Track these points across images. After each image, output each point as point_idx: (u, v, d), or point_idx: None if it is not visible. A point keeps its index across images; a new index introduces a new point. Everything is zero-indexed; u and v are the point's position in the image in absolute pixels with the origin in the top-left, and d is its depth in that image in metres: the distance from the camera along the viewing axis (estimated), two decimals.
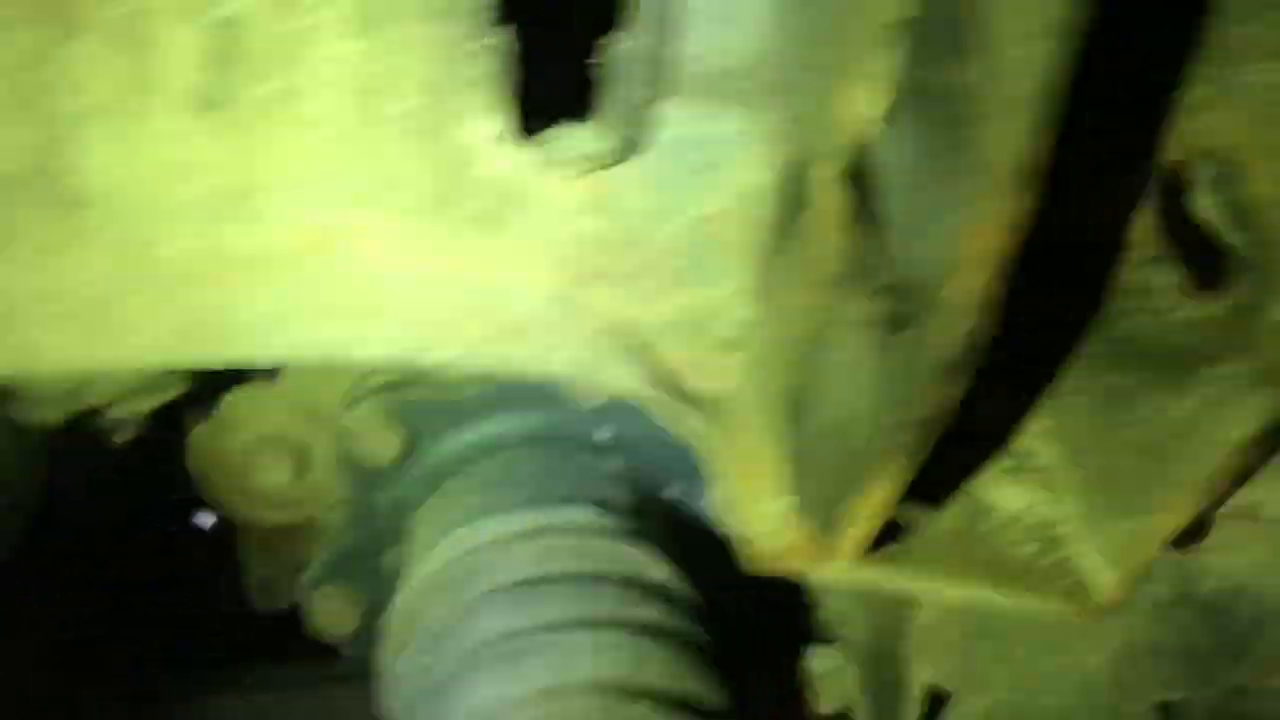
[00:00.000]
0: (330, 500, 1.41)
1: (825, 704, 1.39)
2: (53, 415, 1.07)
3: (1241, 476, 0.67)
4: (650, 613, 1.05)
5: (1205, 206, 0.66)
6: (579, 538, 1.10)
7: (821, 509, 0.69)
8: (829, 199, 0.69)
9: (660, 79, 0.77)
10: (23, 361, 0.79)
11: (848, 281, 0.67)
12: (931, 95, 0.57)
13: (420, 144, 0.77)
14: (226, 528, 1.62)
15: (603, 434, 1.27)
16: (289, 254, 0.79)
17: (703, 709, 1.02)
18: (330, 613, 1.30)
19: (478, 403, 1.24)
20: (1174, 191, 0.71)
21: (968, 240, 0.51)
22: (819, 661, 1.40)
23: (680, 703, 1.00)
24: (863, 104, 0.66)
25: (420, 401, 1.23)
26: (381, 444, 1.22)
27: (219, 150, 0.75)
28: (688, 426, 0.84)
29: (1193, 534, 0.86)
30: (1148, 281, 0.73)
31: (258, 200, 0.77)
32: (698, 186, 0.80)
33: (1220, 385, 0.66)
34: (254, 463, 1.38)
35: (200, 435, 1.38)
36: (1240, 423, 0.64)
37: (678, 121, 0.78)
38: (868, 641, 1.29)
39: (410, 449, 1.24)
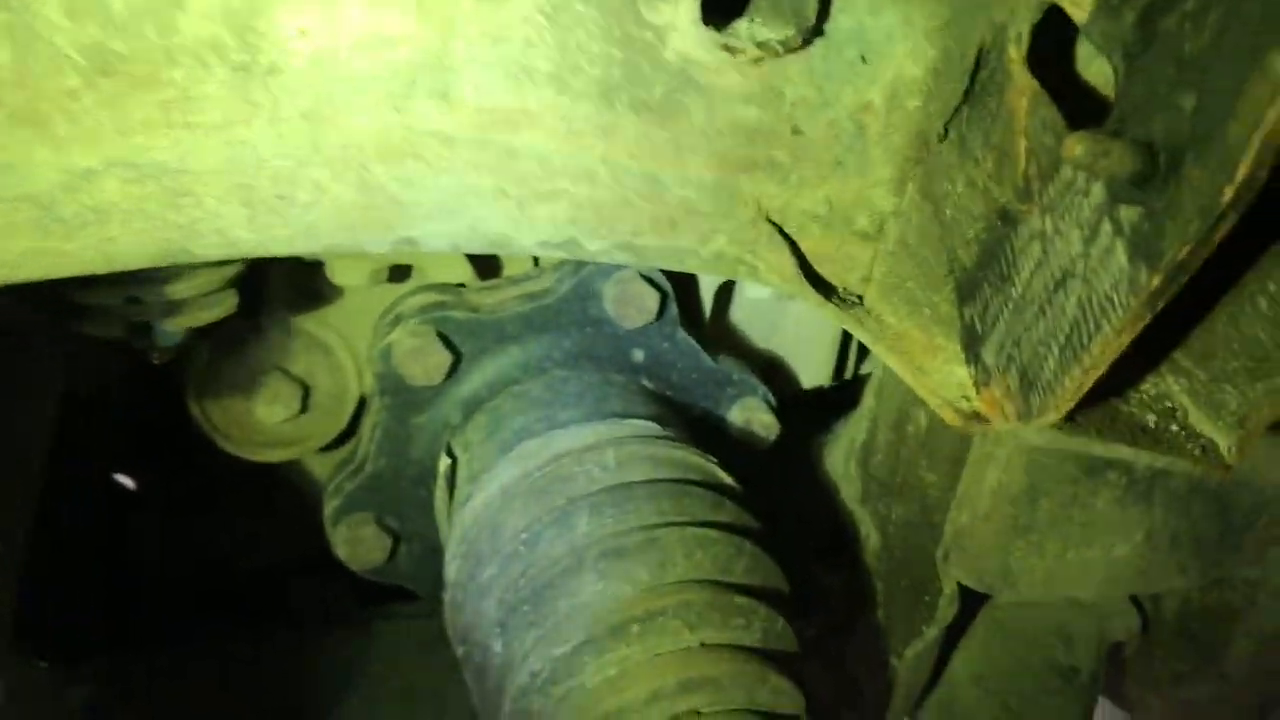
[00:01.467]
0: (329, 436, 1.39)
1: (834, 616, 1.46)
2: (115, 329, 1.02)
3: None
4: (726, 513, 1.08)
5: None
6: (650, 446, 1.13)
7: (1022, 371, 0.74)
8: (1022, 78, 0.74)
9: None
10: (187, 242, 0.75)
11: (1048, 154, 0.72)
12: None
13: (609, 24, 0.78)
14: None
15: (637, 355, 1.29)
16: (472, 135, 0.78)
17: (780, 598, 1.07)
18: (361, 541, 1.27)
19: (519, 323, 1.24)
20: None
21: (1260, 81, 0.57)
22: (826, 577, 1.46)
23: (764, 593, 1.05)
24: None
25: (464, 321, 1.22)
26: (430, 363, 1.20)
27: (417, 23, 0.74)
28: (830, 313, 0.88)
29: None
30: None
31: (449, 77, 0.76)
32: (855, 78, 0.84)
33: None
34: (258, 396, 1.34)
35: (200, 366, 1.33)
36: None
37: (842, 12, 0.82)
38: (890, 549, 1.35)
39: (453, 369, 1.23)
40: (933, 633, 1.25)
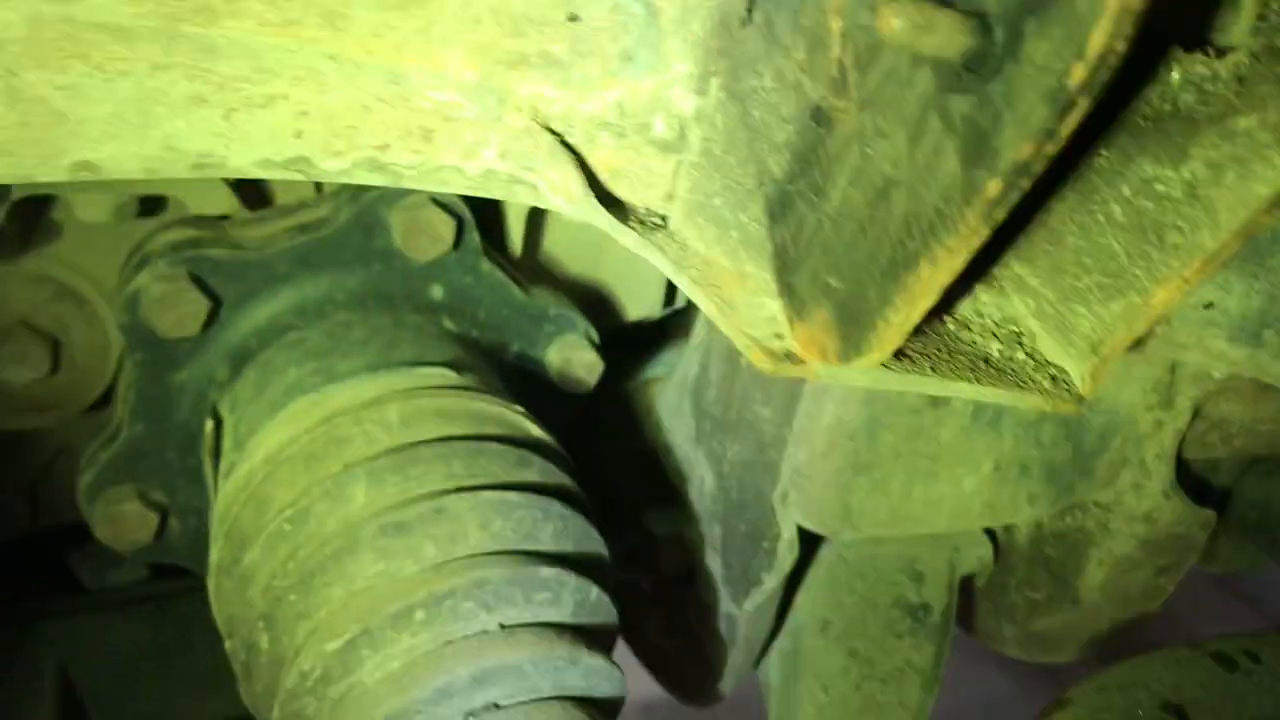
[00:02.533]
0: (89, 397, 1.20)
1: (670, 566, 1.35)
2: None
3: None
4: (532, 472, 0.95)
5: None
6: (442, 398, 0.98)
7: (841, 303, 0.62)
8: None
9: None
10: None
11: (864, 34, 0.59)
12: None
13: None
14: None
15: (435, 292, 1.14)
16: (156, 26, 0.62)
17: (596, 564, 0.95)
18: (123, 518, 1.10)
19: (291, 260, 1.07)
20: None
21: None
22: (659, 524, 1.35)
23: (576, 561, 0.92)
24: None
25: (224, 261, 1.05)
26: (183, 311, 1.03)
27: None
28: (628, 239, 0.74)
29: None
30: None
31: None
32: None
33: (1234, 143, 0.63)
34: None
35: None
36: (1265, 180, 0.62)
37: None
38: (724, 493, 1.24)
39: (213, 317, 1.06)
40: (772, 582, 1.14)
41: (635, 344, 1.45)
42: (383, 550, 0.85)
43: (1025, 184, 0.51)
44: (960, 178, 0.53)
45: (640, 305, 1.37)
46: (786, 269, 0.67)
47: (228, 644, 0.93)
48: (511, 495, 0.90)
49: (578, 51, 0.71)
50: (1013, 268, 0.78)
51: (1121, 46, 0.47)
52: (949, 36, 0.51)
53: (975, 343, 0.75)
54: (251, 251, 1.06)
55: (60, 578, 1.37)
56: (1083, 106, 0.48)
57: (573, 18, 0.70)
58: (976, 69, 0.52)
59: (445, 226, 1.09)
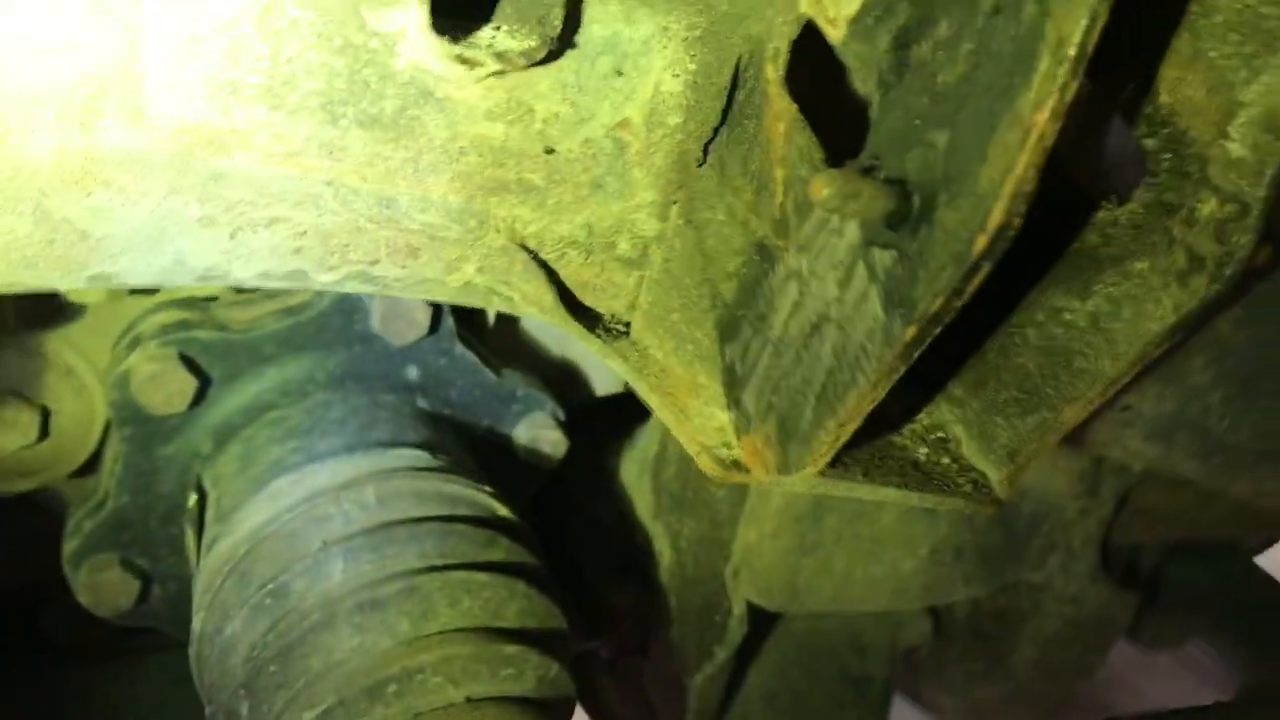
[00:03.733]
0: (74, 463, 1.26)
1: (628, 636, 1.41)
2: None
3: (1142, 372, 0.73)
4: (498, 551, 1.01)
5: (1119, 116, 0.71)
6: (416, 480, 1.04)
7: (781, 421, 0.69)
8: (779, 100, 0.69)
9: None
10: None
11: (803, 186, 0.67)
12: None
13: (328, 31, 0.69)
14: None
15: (410, 373, 1.20)
16: (171, 157, 0.69)
17: (557, 640, 1.01)
18: (105, 585, 1.15)
19: (275, 342, 1.14)
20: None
21: (1012, 126, 0.53)
22: (618, 594, 1.41)
23: (538, 637, 0.98)
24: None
25: (212, 342, 1.11)
26: (171, 390, 1.09)
27: (97, 28, 0.64)
28: (594, 346, 0.81)
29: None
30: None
31: (139, 91, 0.66)
32: (611, 92, 0.77)
33: (1131, 283, 0.72)
34: None
35: None
36: (1156, 318, 0.70)
37: (594, 21, 0.75)
38: (680, 568, 1.31)
39: (200, 396, 1.12)
40: (723, 654, 1.21)
41: (601, 418, 1.52)
42: (359, 625, 0.91)
43: (936, 330, 0.59)
44: (882, 321, 0.61)
45: (606, 382, 1.44)
46: (734, 385, 0.74)
47: (208, 710, 0.98)
48: (479, 575, 0.96)
49: (552, 180, 0.79)
50: (946, 379, 0.86)
51: (1017, 222, 0.55)
52: (872, 201, 0.59)
53: (906, 447, 0.82)
54: (238, 333, 1.13)
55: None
56: (986, 268, 0.56)
57: (549, 150, 0.78)
58: (896, 227, 0.60)
59: (422, 313, 1.16)
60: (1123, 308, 0.72)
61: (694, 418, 0.75)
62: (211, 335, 1.11)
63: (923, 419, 0.85)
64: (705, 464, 0.72)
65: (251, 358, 1.14)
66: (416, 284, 0.78)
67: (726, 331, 0.76)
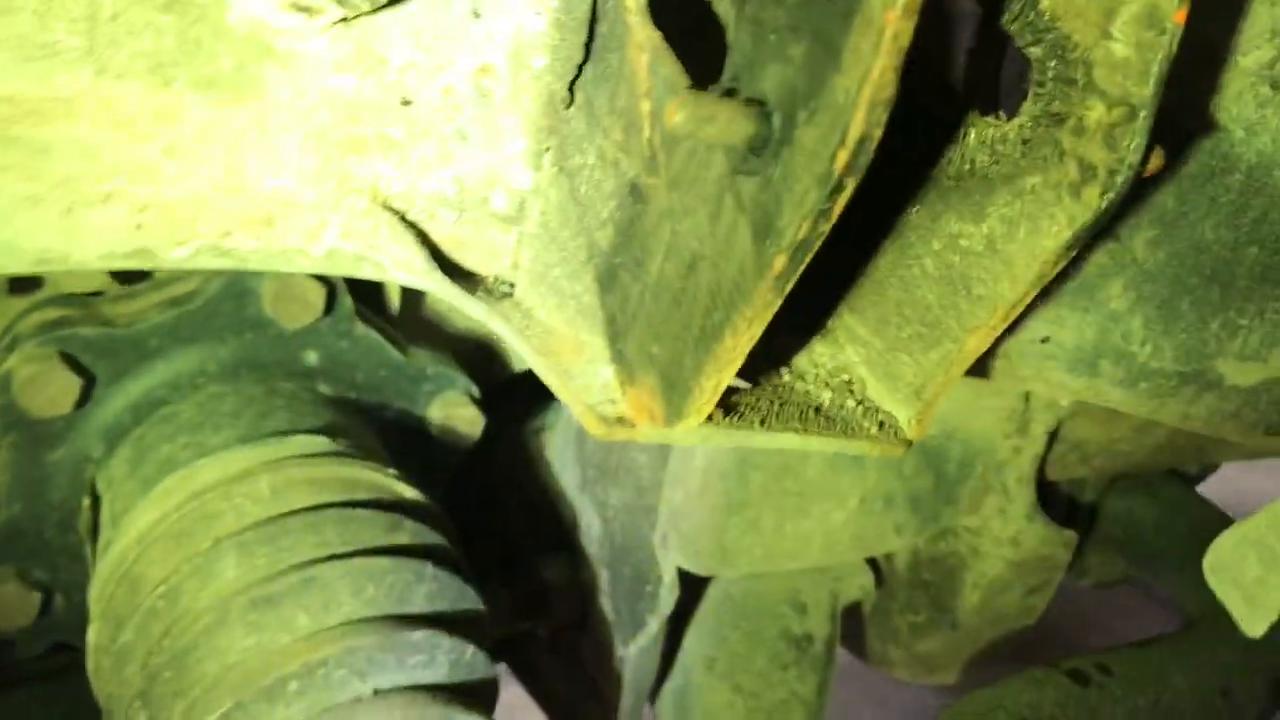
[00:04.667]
0: None
1: (564, 612, 1.37)
2: None
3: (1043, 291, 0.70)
4: (404, 535, 0.97)
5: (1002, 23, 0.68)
6: (313, 467, 1.00)
7: (663, 370, 0.65)
8: (641, 29, 0.64)
9: None
10: None
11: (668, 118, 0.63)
12: None
13: None
14: None
15: (310, 358, 1.15)
16: None
17: (473, 622, 0.97)
18: (3, 601, 1.09)
19: (162, 334, 1.08)
20: None
21: (864, 30, 0.49)
22: (552, 571, 1.37)
23: (450, 621, 0.94)
24: None
25: (95, 338, 1.06)
26: (54, 391, 1.03)
27: None
28: (472, 308, 0.77)
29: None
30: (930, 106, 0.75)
31: None
32: (469, 36, 0.72)
33: (1024, 201, 0.68)
34: None
35: None
36: (1051, 234, 0.67)
37: None
38: (609, 538, 1.27)
39: (85, 396, 1.06)
40: (655, 624, 1.17)
41: (526, 391, 1.48)
42: (254, 624, 0.86)
43: (807, 257, 0.55)
44: (752, 253, 0.57)
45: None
46: (616, 337, 0.70)
47: None
48: (383, 560, 0.92)
49: (414, 133, 0.74)
50: (844, 318, 0.82)
51: (878, 132, 0.51)
52: (730, 125, 0.54)
53: (808, 393, 0.79)
54: (122, 328, 1.07)
55: None
56: (849, 188, 0.52)
57: (406, 102, 0.73)
58: (760, 152, 0.56)
59: (316, 293, 1.11)
60: (1018, 227, 0.69)
61: (578, 377, 0.71)
62: (94, 331, 1.06)
63: (825, 362, 0.82)
64: (589, 423, 0.68)
65: (138, 353, 1.08)
66: (276, 255, 0.73)
67: (605, 281, 0.71)
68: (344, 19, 0.68)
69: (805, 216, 0.53)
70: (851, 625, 1.43)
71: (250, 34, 0.67)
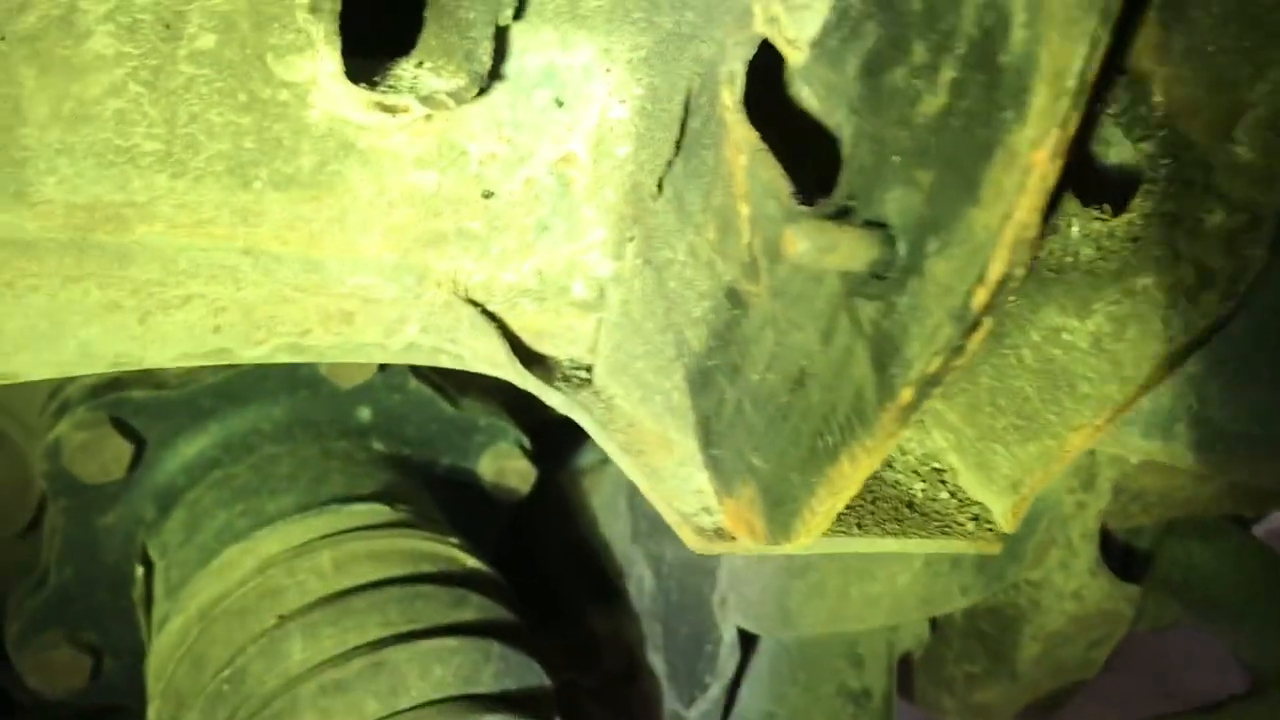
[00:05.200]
0: (11, 528, 1.18)
1: (611, 663, 1.35)
2: None
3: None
4: (469, 610, 0.95)
5: (1108, 118, 0.65)
6: (372, 539, 0.98)
7: (765, 483, 0.63)
8: (739, 129, 0.62)
9: (503, 2, 0.65)
10: None
11: (772, 226, 0.60)
12: None
13: (230, 87, 0.61)
14: None
15: (363, 414, 1.13)
16: (65, 239, 0.61)
17: (537, 697, 0.95)
18: (55, 665, 1.08)
19: (215, 395, 1.06)
20: None
21: (1007, 166, 0.46)
22: (600, 621, 1.35)
23: (517, 700, 0.92)
24: (783, 18, 0.59)
25: (145, 401, 1.04)
26: (106, 457, 1.01)
27: None
28: (551, 399, 0.74)
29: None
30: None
31: (27, 171, 0.59)
32: (551, 126, 0.70)
33: (1134, 300, 0.66)
34: None
35: None
36: (1165, 338, 0.64)
37: (527, 51, 0.68)
38: (666, 592, 1.25)
39: (137, 459, 1.04)
40: (717, 688, 1.15)
41: (568, 432, 1.45)
42: (324, 710, 0.84)
43: (935, 391, 0.53)
44: (873, 381, 0.54)
45: None
46: (711, 442, 0.68)
47: None
48: (450, 640, 0.90)
49: (494, 226, 0.72)
50: (933, 402, 0.80)
51: (1020, 271, 0.48)
52: (853, 253, 0.52)
53: (899, 483, 0.76)
54: (174, 390, 1.05)
55: None
56: (987, 325, 0.50)
57: (487, 194, 0.71)
58: (882, 276, 0.53)
59: None
60: (1127, 327, 0.66)
61: (668, 479, 0.69)
62: (146, 394, 1.04)
63: (914, 449, 0.79)
64: (686, 534, 0.65)
65: (190, 414, 1.06)
66: (354, 349, 0.71)
67: (697, 382, 0.69)
68: (427, 115, 0.66)
69: (936, 352, 0.51)
70: (900, 667, 1.40)
71: (331, 131, 0.65)
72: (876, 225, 0.53)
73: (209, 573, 0.96)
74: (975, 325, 0.50)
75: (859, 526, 0.70)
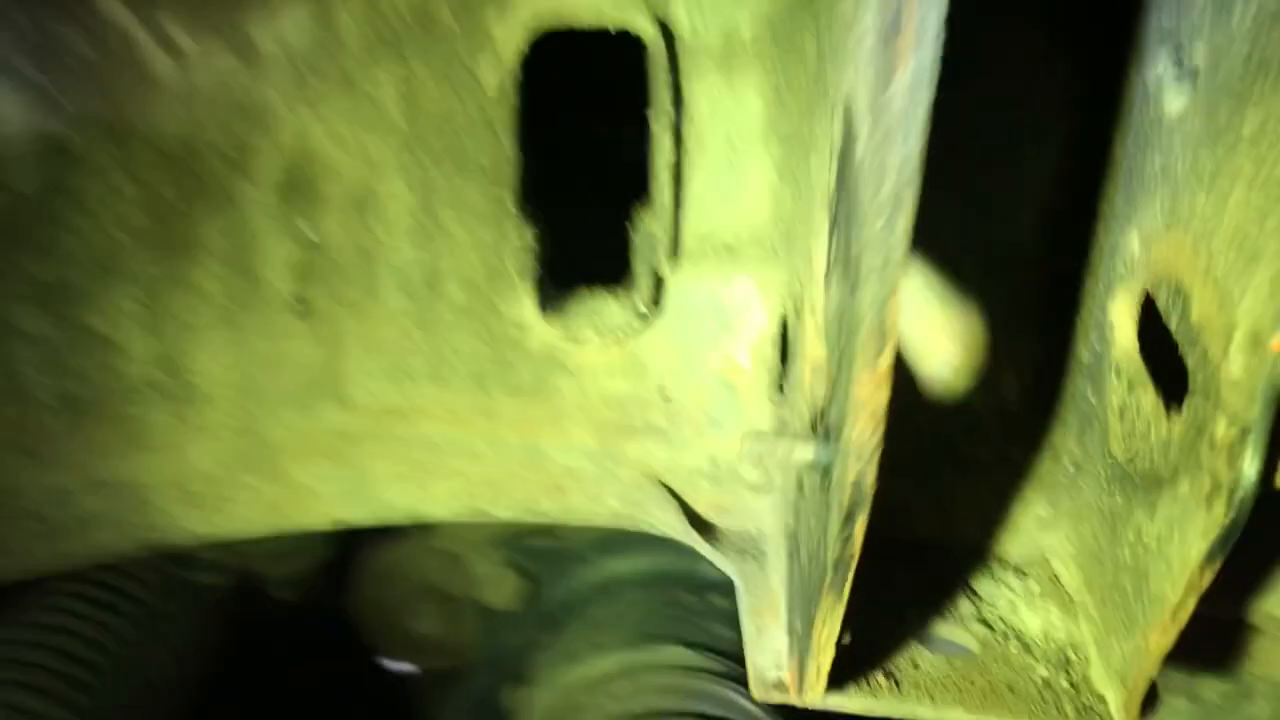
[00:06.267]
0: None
1: None
2: (222, 579, 1.24)
3: (1206, 592, 0.68)
4: None
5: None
6: (667, 676, 1.17)
7: (801, 645, 0.74)
8: (816, 349, 0.77)
9: (675, 253, 0.86)
10: (151, 538, 0.94)
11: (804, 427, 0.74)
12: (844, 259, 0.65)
13: (474, 325, 0.88)
14: None
15: (709, 571, 1.33)
16: (369, 430, 0.92)
17: None
18: None
19: (591, 547, 1.34)
20: (1151, 316, 0.75)
21: (856, 387, 0.58)
22: None
23: None
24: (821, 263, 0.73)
25: (539, 548, 1.34)
26: (502, 588, 1.33)
27: (312, 345, 0.89)
28: (721, 563, 0.91)
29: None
30: (1139, 403, 0.76)
31: (345, 385, 0.90)
32: (717, 342, 0.89)
33: (1180, 505, 0.68)
34: (410, 611, 1.52)
35: (360, 586, 1.53)
36: (1193, 543, 0.65)
37: (695, 291, 0.87)
38: None
39: (533, 593, 1.35)
40: None
41: None
42: None
43: (852, 562, 0.64)
44: (828, 559, 0.66)
45: None
46: (789, 610, 0.80)
47: None
48: None
49: (674, 421, 0.91)
50: (1080, 594, 0.84)
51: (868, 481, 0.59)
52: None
53: (1026, 667, 0.81)
54: (561, 540, 1.34)
55: None
56: (860, 521, 0.61)
57: (666, 399, 0.91)
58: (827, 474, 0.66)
59: None
60: (1174, 530, 0.69)
61: (765, 638, 0.82)
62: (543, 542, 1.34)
63: (1060, 636, 0.84)
64: (753, 684, 0.78)
65: (576, 560, 1.35)
66: (570, 513, 0.94)
67: (790, 558, 0.82)
68: (613, 339, 0.88)
69: (834, 539, 0.62)
70: None
71: (545, 353, 0.90)
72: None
73: (545, 687, 1.22)
74: (849, 518, 0.61)
75: (931, 699, 0.77)
